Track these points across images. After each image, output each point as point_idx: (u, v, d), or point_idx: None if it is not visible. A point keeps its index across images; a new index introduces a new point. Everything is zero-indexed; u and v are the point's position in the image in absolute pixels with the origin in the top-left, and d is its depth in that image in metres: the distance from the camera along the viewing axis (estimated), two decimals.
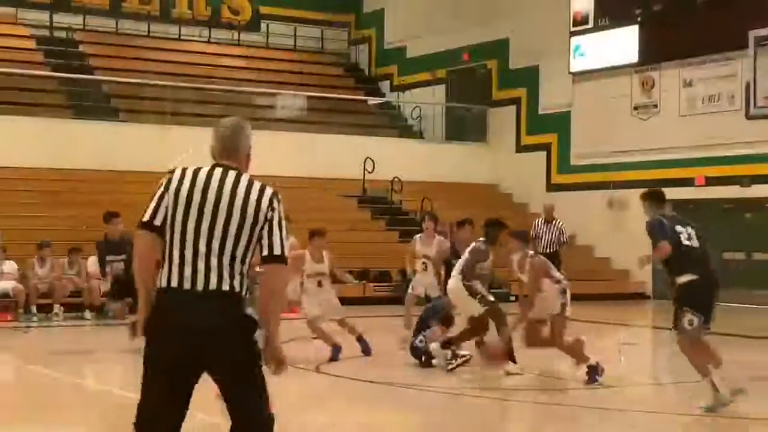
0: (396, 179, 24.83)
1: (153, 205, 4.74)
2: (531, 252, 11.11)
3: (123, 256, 13.54)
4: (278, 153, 24.12)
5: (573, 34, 25.04)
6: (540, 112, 26.68)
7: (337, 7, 31.81)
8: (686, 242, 8.81)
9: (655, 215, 9.06)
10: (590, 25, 24.75)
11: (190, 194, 4.67)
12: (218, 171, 4.76)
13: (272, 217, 4.70)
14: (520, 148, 27.20)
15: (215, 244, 4.62)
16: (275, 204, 4.73)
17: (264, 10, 30.46)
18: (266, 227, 4.70)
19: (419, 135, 28.72)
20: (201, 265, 4.60)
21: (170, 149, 23.33)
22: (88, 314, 17.30)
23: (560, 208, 19.51)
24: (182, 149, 23.40)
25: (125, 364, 11.58)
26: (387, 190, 25.21)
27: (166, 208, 4.70)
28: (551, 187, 25.89)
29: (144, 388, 4.67)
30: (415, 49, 29.91)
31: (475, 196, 25.33)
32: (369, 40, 31.83)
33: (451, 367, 10.96)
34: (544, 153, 26.37)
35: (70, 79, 26.01)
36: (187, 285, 4.61)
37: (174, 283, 4.62)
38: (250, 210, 4.67)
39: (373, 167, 24.72)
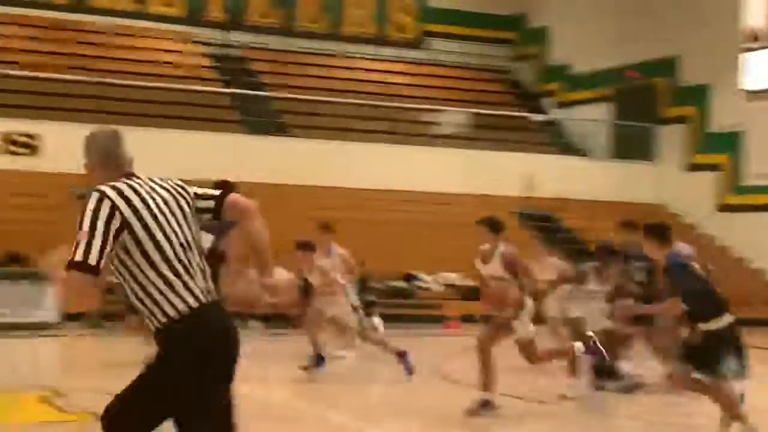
0: (559, 198, 24.66)
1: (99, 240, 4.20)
2: None
3: None
4: (440, 169, 24.36)
5: (746, 50, 24.38)
6: (711, 130, 26.05)
7: (500, 23, 31.84)
8: None
9: None
10: (766, 42, 24.11)
11: (154, 212, 4.38)
12: (150, 181, 4.53)
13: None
14: (689, 168, 26.60)
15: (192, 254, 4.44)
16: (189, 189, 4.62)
17: (428, 27, 30.81)
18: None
19: (583, 153, 28.42)
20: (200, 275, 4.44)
21: (338, 164, 23.92)
22: (254, 323, 17.98)
23: (732, 229, 18.99)
24: (349, 164, 24.08)
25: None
26: (549, 208, 25.07)
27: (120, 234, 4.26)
28: (723, 207, 25.22)
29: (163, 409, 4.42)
30: (580, 65, 29.64)
31: (640, 216, 24.83)
32: (532, 56, 31.71)
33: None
34: (714, 173, 25.72)
35: (241, 96, 26.86)
36: (204, 299, 4.43)
37: (193, 303, 4.38)
38: (190, 208, 4.55)
39: (536, 185, 24.62)
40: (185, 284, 4.36)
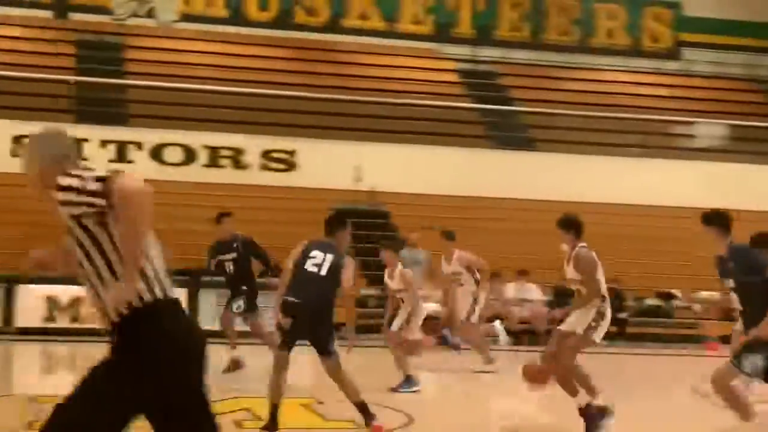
0: None
1: None
2: None
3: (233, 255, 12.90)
4: (691, 183, 23.40)
5: None
6: None
7: (763, 31, 30.27)
8: None
9: None
10: None
11: None
12: None
13: None
14: None
15: None
16: None
17: (684, 36, 29.72)
18: None
19: None
20: None
21: (585, 178, 23.41)
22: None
23: None
24: (599, 179, 23.55)
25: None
26: None
27: None
28: None
29: None
30: None
31: None
32: None
33: None
34: None
35: (489, 111, 26.82)
36: None
37: None
38: None
39: None
40: None
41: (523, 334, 18.69)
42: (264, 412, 8.43)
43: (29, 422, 8.46)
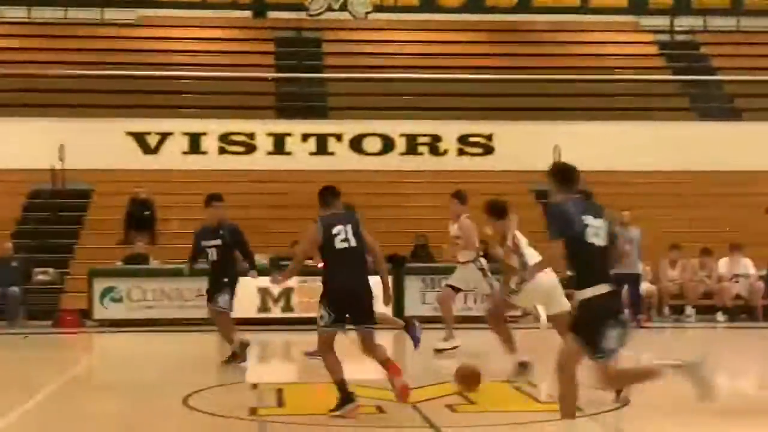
0: None
1: None
2: None
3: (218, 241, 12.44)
4: None
5: None
6: None
7: None
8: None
9: None
10: None
11: None
12: None
13: None
14: None
15: None
16: None
17: None
18: None
19: None
20: None
21: None
22: (720, 316, 17.50)
23: None
24: None
25: None
26: None
27: None
28: None
29: None
30: None
31: None
32: None
33: None
34: None
35: (691, 82, 26.00)
36: None
37: None
38: None
39: None
40: None
41: (738, 311, 18.05)
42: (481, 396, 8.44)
43: (251, 408, 8.77)
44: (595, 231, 6.68)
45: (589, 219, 6.68)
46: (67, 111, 23.19)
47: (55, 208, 20.99)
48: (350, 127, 23.49)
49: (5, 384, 10.74)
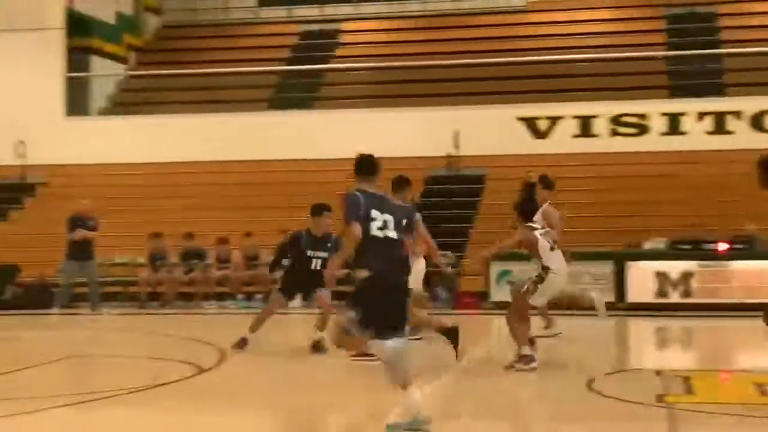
0: None
1: None
2: None
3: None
4: None
5: None
6: None
7: None
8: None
9: None
10: None
11: None
12: None
13: None
14: None
15: None
16: None
17: None
18: None
19: None
20: None
21: None
22: None
23: None
24: None
25: None
26: None
27: None
28: None
29: None
30: None
31: None
32: None
33: None
34: None
35: None
36: None
37: None
38: None
39: None
40: None
41: None
42: None
43: (657, 395, 8.53)
44: (381, 224, 7.12)
45: (375, 212, 7.13)
46: (461, 99, 23.90)
47: (451, 194, 21.69)
48: (750, 104, 22.34)
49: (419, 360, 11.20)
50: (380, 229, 7.16)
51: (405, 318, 7.21)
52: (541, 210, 12.27)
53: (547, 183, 12.71)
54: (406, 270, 7.50)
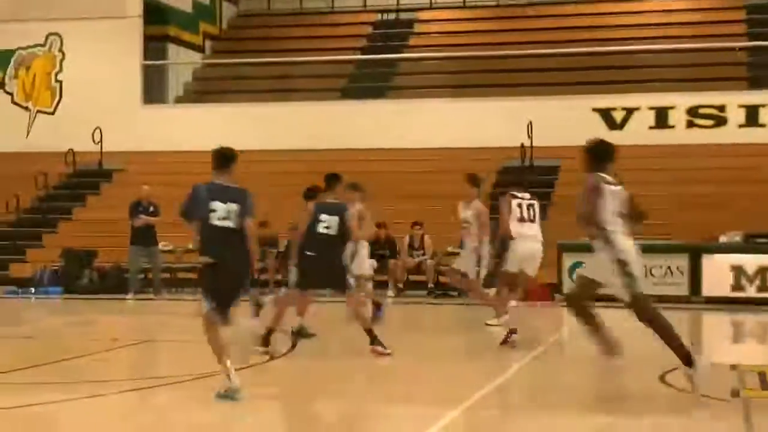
0: None
1: None
2: None
3: None
4: None
5: None
6: None
7: None
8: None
9: None
10: None
11: None
12: None
13: None
14: None
15: None
16: None
17: None
18: None
19: None
20: None
21: None
22: None
23: None
24: None
25: None
26: None
27: None
28: None
29: None
30: None
31: None
32: None
33: None
34: None
35: None
36: None
37: None
38: None
39: None
40: None
41: None
42: None
43: (732, 390, 8.39)
44: (223, 214, 7.89)
45: (216, 204, 7.89)
46: (535, 90, 23.73)
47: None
48: None
49: (494, 350, 11.20)
50: (220, 219, 7.92)
51: (237, 298, 8.15)
52: (471, 205, 12.63)
53: (475, 181, 12.94)
54: (244, 256, 8.08)
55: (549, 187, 21.70)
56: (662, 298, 16.51)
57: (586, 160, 8.31)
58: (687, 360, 8.04)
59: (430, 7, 29.24)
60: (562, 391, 8.93)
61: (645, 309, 8.23)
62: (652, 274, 17.19)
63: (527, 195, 11.99)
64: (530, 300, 17.51)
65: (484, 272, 12.62)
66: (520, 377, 9.57)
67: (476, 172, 13.37)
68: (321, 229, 10.45)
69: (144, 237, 18.31)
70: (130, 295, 18.17)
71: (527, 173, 11.25)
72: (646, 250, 16.18)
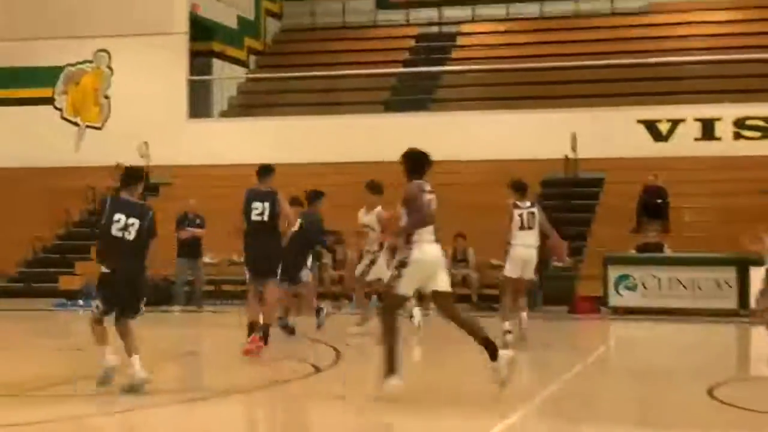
0: None
1: None
2: None
3: None
4: None
5: None
6: None
7: None
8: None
9: None
10: None
11: None
12: None
13: None
14: None
15: None
16: None
17: None
18: None
19: None
20: None
21: None
22: None
23: None
24: None
25: None
26: None
27: None
28: None
29: None
30: None
31: None
32: None
33: None
34: None
35: None
36: None
37: None
38: None
39: None
40: None
41: None
42: None
43: None
44: (122, 226, 8.53)
45: (118, 215, 8.55)
46: (579, 101, 23.66)
47: (568, 196, 21.46)
48: None
49: (541, 362, 11.18)
50: (120, 230, 8.53)
51: (139, 302, 8.74)
52: (375, 212, 13.43)
53: (375, 188, 13.69)
54: (138, 265, 8.71)
55: (593, 199, 21.62)
56: (710, 312, 16.47)
57: (406, 168, 8.69)
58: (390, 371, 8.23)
59: (473, 20, 29.26)
60: (609, 403, 8.90)
61: (388, 307, 8.53)
62: (699, 288, 17.10)
63: (528, 203, 12.70)
64: (577, 313, 17.48)
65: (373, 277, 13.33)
66: (567, 389, 9.53)
67: (377, 180, 13.89)
68: (254, 216, 11.06)
69: (190, 249, 18.48)
70: (176, 307, 18.32)
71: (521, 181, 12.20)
72: (693, 262, 16.28)
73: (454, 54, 28.15)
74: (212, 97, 27.16)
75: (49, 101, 26.02)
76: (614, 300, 17.44)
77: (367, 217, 13.43)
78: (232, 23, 28.01)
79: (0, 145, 25.43)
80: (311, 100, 26.36)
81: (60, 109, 26.07)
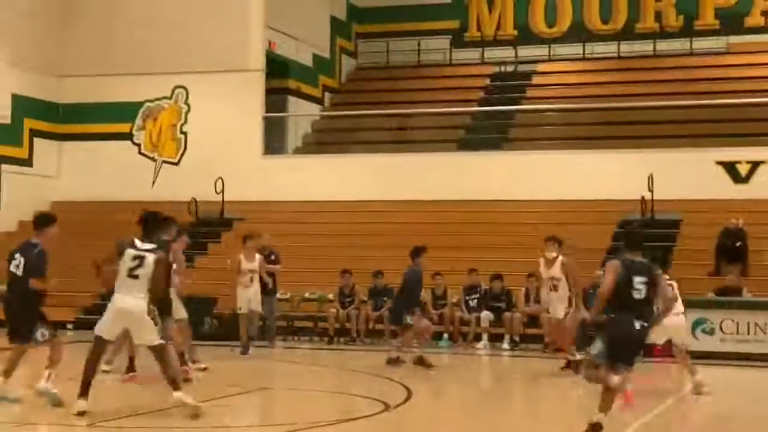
0: None
1: None
2: None
3: None
4: None
5: None
6: None
7: None
8: None
9: None
10: None
11: None
12: None
13: None
14: None
15: None
16: None
17: None
18: None
19: None
20: None
21: None
22: None
23: None
24: None
25: None
26: None
27: None
28: None
29: None
30: None
31: None
32: None
33: None
34: None
35: None
36: None
37: None
38: None
39: None
40: None
41: None
42: None
43: None
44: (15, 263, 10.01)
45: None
46: (657, 142, 23.37)
47: (645, 238, 21.05)
48: None
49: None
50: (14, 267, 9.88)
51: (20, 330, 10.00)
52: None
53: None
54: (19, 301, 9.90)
55: (671, 241, 21.24)
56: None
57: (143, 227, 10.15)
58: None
59: (549, 59, 29.16)
60: None
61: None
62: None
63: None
64: (652, 356, 17.09)
65: None
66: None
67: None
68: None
69: (264, 285, 18.51)
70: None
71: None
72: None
73: (530, 93, 28.05)
74: (287, 134, 27.38)
75: (127, 137, 26.44)
76: (692, 344, 17.01)
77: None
78: (307, 61, 28.27)
79: (77, 179, 25.91)
80: (385, 138, 26.43)
81: (138, 145, 26.46)
